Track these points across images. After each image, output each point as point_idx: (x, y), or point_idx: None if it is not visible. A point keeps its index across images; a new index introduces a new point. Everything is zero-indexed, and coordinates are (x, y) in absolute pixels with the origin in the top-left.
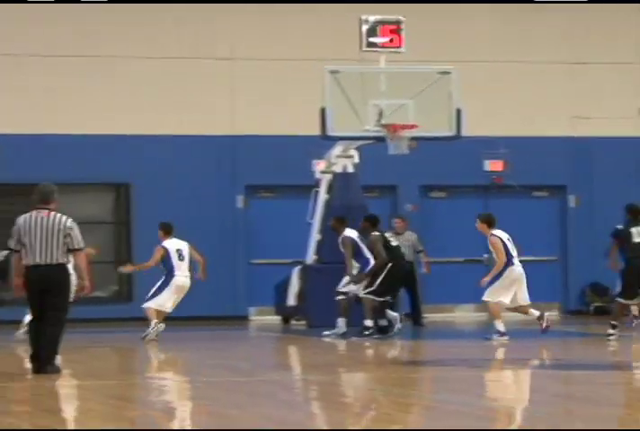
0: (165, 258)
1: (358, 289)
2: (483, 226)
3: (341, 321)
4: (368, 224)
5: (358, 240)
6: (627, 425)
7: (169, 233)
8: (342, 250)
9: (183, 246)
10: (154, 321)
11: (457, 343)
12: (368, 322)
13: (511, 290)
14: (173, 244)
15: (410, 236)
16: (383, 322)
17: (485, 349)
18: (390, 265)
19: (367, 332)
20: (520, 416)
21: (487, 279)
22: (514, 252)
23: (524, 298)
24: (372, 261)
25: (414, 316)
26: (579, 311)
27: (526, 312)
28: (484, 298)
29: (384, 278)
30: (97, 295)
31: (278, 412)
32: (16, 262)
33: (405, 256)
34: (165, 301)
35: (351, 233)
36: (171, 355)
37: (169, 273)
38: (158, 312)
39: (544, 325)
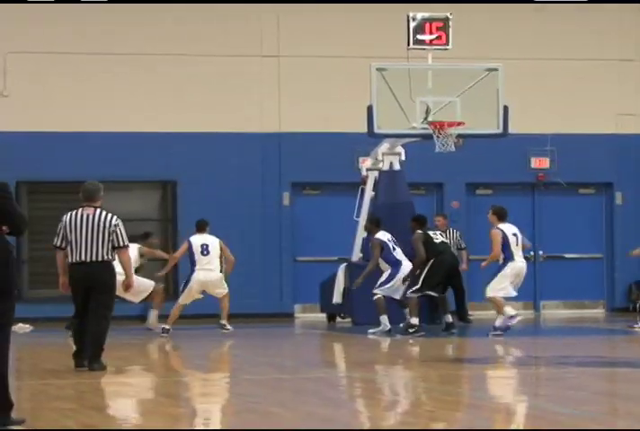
0: (189, 252)
1: (392, 291)
2: (493, 218)
3: (383, 319)
4: (416, 223)
5: (389, 242)
6: None
7: (201, 230)
8: (372, 251)
9: (211, 241)
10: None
11: (500, 340)
12: (414, 320)
13: (512, 283)
14: (198, 239)
15: (452, 234)
16: (448, 319)
17: (530, 347)
18: (433, 260)
19: (411, 330)
20: (564, 415)
21: (484, 264)
22: (518, 247)
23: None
24: (404, 263)
25: (460, 313)
26: (625, 308)
27: (500, 306)
28: (487, 295)
29: (426, 275)
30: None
31: (323, 410)
32: (61, 260)
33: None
34: (184, 298)
35: (382, 235)
36: (216, 352)
37: (192, 268)
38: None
39: (508, 324)
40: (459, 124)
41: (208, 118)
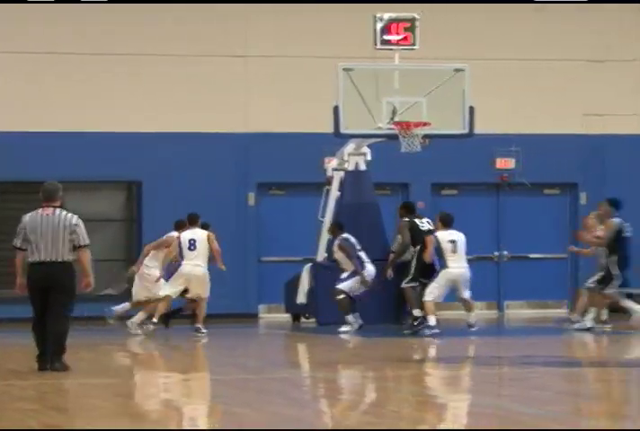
0: (179, 247)
1: (357, 289)
2: (438, 224)
3: (349, 318)
4: (404, 210)
5: (354, 243)
6: (634, 422)
7: (192, 224)
8: (338, 254)
9: (198, 236)
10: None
11: (466, 340)
12: (417, 312)
13: (446, 288)
14: (187, 234)
15: None
16: (417, 313)
17: (493, 347)
18: (419, 247)
19: (416, 323)
20: (527, 415)
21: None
22: (455, 254)
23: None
24: (368, 267)
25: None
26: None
27: (470, 309)
28: (423, 299)
29: (416, 263)
30: (108, 293)
31: (287, 410)
32: (19, 261)
33: None
34: (165, 288)
35: (347, 236)
36: (180, 352)
37: (180, 262)
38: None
39: (420, 327)
40: (425, 124)
41: (175, 118)
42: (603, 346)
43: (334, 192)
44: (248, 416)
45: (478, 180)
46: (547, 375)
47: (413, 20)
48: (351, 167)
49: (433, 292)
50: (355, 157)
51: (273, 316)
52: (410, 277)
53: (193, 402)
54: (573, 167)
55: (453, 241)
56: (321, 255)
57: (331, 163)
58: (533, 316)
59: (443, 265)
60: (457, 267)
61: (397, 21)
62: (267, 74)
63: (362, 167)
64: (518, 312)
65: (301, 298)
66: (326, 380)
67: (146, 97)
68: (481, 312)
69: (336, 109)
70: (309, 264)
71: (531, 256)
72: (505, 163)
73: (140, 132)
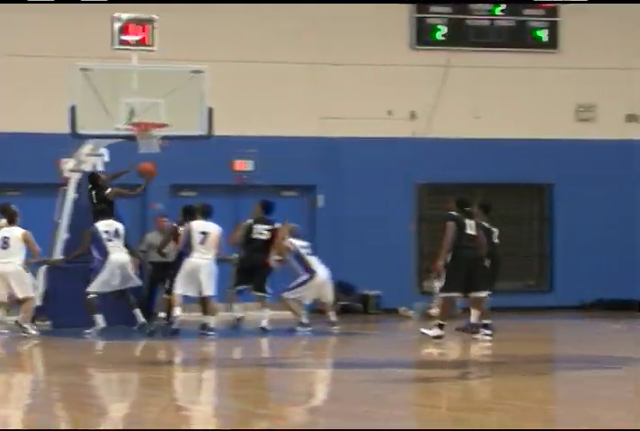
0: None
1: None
2: (196, 216)
3: (97, 318)
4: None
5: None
6: (368, 422)
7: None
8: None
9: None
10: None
11: (207, 342)
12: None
13: (189, 281)
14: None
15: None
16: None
17: (238, 348)
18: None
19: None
20: (261, 417)
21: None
22: (197, 245)
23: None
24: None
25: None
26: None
27: (206, 307)
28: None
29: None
30: None
31: (20, 413)
32: None
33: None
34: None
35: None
36: None
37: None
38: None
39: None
40: (163, 125)
41: None
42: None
43: (71, 193)
44: None
45: (217, 181)
46: (282, 376)
47: (151, 21)
48: (88, 168)
49: (184, 285)
50: (92, 158)
51: (8, 318)
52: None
53: None
54: (311, 169)
55: (204, 233)
56: (57, 257)
57: (67, 164)
58: (272, 317)
59: (186, 254)
60: (199, 258)
61: (136, 21)
62: (3, 73)
63: (100, 168)
64: (256, 313)
65: (36, 301)
66: (61, 383)
67: None
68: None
69: (73, 110)
70: (44, 266)
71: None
72: (243, 165)
73: None
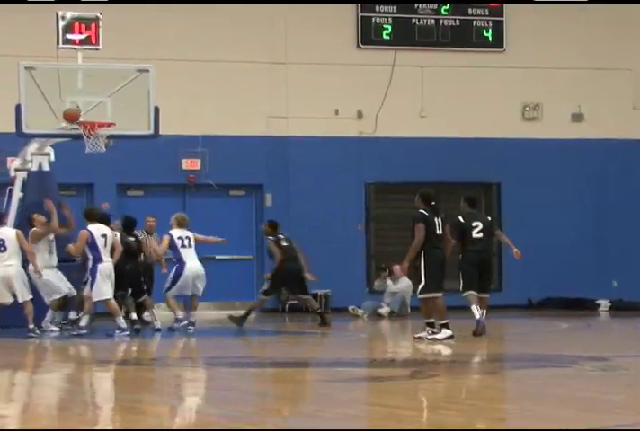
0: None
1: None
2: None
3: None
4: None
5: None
6: (320, 421)
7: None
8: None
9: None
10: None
11: (154, 341)
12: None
13: (107, 283)
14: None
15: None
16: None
17: (181, 347)
18: None
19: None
20: (214, 415)
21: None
22: (104, 249)
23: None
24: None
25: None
26: (274, 309)
27: (109, 307)
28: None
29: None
30: None
31: None
32: None
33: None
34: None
35: (177, 232)
36: None
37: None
38: None
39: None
40: (110, 125)
41: None
42: (290, 346)
43: (17, 192)
44: None
45: (164, 181)
46: (233, 375)
47: (96, 19)
48: (34, 167)
49: (104, 291)
50: (38, 157)
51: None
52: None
53: None
54: (259, 168)
55: (104, 236)
56: None
57: (13, 163)
58: (221, 317)
59: (97, 260)
60: (107, 261)
61: (80, 20)
62: None
63: (46, 167)
64: (205, 312)
65: None
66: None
67: None
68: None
69: (18, 108)
70: None
71: (218, 257)
72: (191, 164)
73: None
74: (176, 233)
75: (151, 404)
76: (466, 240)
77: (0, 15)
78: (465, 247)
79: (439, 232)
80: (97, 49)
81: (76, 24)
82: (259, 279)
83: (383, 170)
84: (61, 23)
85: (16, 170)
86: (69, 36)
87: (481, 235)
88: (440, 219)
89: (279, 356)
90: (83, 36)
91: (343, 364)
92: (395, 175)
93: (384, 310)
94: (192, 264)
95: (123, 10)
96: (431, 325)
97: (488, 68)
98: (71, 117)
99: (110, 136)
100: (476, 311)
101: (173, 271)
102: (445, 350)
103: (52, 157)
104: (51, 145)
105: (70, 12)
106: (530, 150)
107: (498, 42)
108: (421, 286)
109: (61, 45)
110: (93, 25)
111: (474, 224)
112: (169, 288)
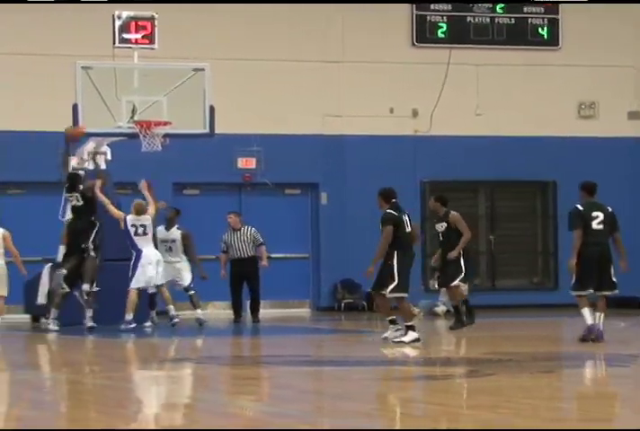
0: None
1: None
2: None
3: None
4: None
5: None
6: (376, 420)
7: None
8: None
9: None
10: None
11: (209, 340)
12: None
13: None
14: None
15: (247, 231)
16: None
17: (236, 346)
18: None
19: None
20: (268, 414)
21: None
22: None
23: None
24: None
25: (252, 311)
26: (330, 307)
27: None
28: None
29: None
30: None
31: (27, 413)
32: None
33: (246, 251)
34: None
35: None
36: None
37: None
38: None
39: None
40: (166, 124)
41: None
42: (346, 345)
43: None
44: None
45: (220, 179)
46: (289, 374)
47: (152, 18)
48: (91, 166)
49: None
50: (95, 156)
51: (13, 317)
52: None
53: None
54: (314, 167)
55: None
56: (61, 255)
57: (71, 162)
58: (276, 316)
59: None
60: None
61: (136, 19)
62: (4, 72)
63: (103, 166)
64: (261, 311)
65: (41, 299)
66: (67, 381)
67: None
68: (224, 312)
69: (75, 108)
70: (49, 264)
71: (274, 256)
72: (247, 163)
73: None
74: (131, 219)
75: (204, 401)
76: (586, 231)
77: (57, 16)
78: (583, 239)
79: (408, 229)
80: (153, 49)
81: (133, 24)
82: (314, 278)
83: (438, 168)
84: (117, 23)
85: (74, 169)
86: (125, 35)
87: (601, 227)
88: (407, 216)
89: (334, 354)
90: (139, 35)
91: (399, 362)
92: (451, 173)
93: (440, 309)
94: (148, 251)
95: (179, 9)
96: (393, 322)
97: (543, 66)
98: (72, 136)
99: (165, 135)
100: (589, 315)
101: (132, 261)
102: (500, 349)
103: (109, 156)
104: (108, 144)
105: (126, 11)
106: (586, 148)
107: (553, 40)
108: (393, 285)
109: (117, 44)
110: (149, 25)
111: (593, 214)
112: (130, 280)
